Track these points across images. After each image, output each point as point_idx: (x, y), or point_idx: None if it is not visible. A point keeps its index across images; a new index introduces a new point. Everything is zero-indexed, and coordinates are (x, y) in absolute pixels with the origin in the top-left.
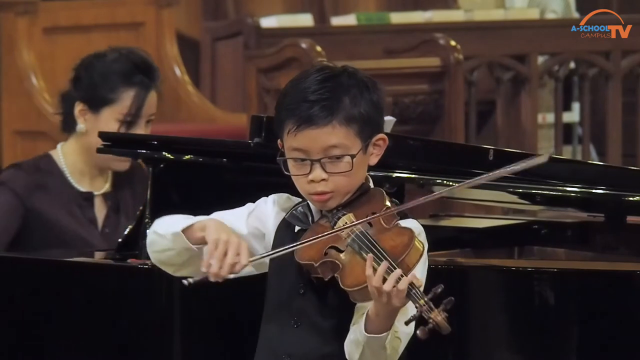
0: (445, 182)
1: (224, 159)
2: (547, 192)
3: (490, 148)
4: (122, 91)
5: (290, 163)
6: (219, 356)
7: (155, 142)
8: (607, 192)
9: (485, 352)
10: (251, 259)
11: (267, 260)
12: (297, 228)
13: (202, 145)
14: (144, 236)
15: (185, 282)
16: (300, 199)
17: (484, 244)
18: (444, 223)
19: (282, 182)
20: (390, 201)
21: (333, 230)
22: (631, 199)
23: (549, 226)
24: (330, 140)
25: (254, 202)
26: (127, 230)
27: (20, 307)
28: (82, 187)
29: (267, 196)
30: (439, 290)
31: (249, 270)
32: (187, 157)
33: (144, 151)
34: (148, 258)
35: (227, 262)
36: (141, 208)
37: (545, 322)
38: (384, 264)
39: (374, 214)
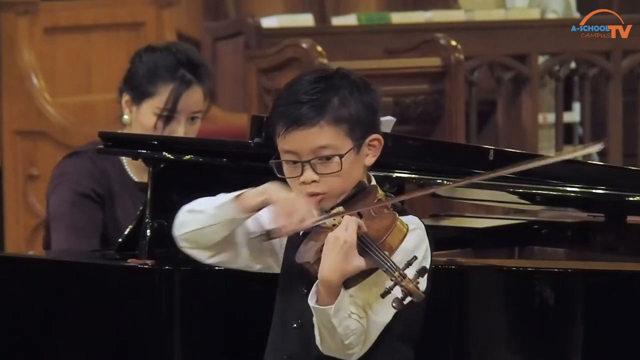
0: (445, 182)
1: (224, 159)
2: (548, 192)
3: (490, 148)
4: (161, 85)
5: (283, 166)
6: (219, 356)
7: (156, 142)
8: (608, 192)
9: (486, 352)
10: (317, 218)
11: (273, 263)
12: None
13: (202, 145)
14: (144, 236)
15: (253, 236)
16: None
17: (484, 244)
18: (444, 223)
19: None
20: (384, 194)
21: (320, 218)
22: (631, 199)
23: (549, 226)
24: (318, 140)
25: None
26: (127, 230)
27: (20, 307)
28: (137, 178)
29: None
30: (414, 261)
31: (258, 267)
32: (187, 157)
33: (144, 151)
34: (148, 258)
35: (295, 218)
36: (141, 208)
37: (546, 322)
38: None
39: (365, 206)
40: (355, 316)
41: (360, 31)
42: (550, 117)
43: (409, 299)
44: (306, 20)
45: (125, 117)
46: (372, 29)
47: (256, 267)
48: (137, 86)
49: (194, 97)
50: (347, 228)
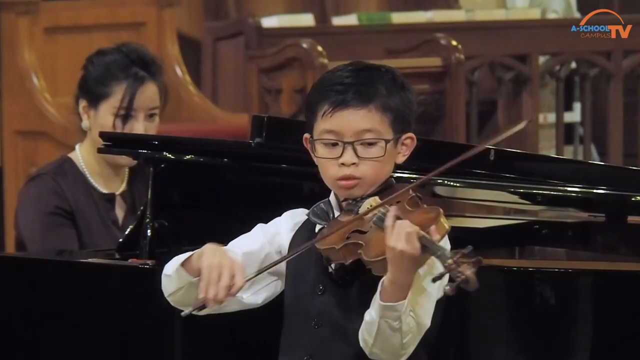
0: (446, 182)
1: (225, 159)
2: (548, 192)
3: (491, 148)
4: (115, 84)
5: (320, 146)
6: (220, 356)
7: (156, 142)
8: (608, 192)
9: (486, 352)
10: (247, 278)
11: (278, 287)
12: (317, 227)
13: (203, 145)
14: (145, 236)
15: (182, 313)
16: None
17: (485, 244)
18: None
19: (283, 182)
20: (415, 194)
21: (358, 215)
22: (632, 199)
23: (550, 226)
24: (365, 124)
25: (254, 202)
26: (128, 230)
27: (20, 307)
28: (103, 189)
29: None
30: (468, 250)
31: (262, 299)
32: (188, 157)
33: (145, 151)
34: (149, 258)
35: (222, 285)
36: (142, 208)
37: (546, 322)
38: (394, 207)
39: (398, 202)
40: (412, 313)
41: (360, 31)
42: (551, 117)
43: (463, 285)
44: (307, 20)
45: (85, 122)
46: (373, 29)
47: (260, 301)
48: (91, 90)
49: (148, 92)
50: (407, 240)
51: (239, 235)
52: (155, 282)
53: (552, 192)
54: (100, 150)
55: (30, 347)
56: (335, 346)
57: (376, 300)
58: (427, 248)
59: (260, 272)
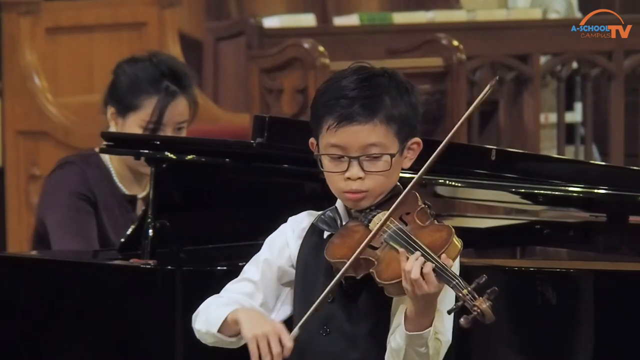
0: (447, 182)
1: (227, 159)
2: (550, 192)
3: (492, 148)
4: (145, 98)
5: (326, 160)
6: (220, 357)
7: (158, 142)
8: (610, 192)
9: (487, 353)
10: (292, 334)
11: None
12: (325, 234)
13: (204, 145)
14: (146, 236)
15: None
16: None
17: (486, 244)
18: (446, 223)
19: (284, 182)
20: (423, 202)
21: (371, 234)
22: (633, 199)
23: (551, 226)
24: (370, 138)
25: (255, 202)
26: (130, 230)
27: (21, 307)
28: (126, 190)
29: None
30: (483, 280)
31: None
32: (189, 157)
33: (147, 151)
34: (150, 258)
35: (275, 353)
36: (143, 208)
37: (548, 322)
38: (417, 253)
39: (408, 213)
40: (437, 334)
41: (362, 31)
42: (552, 117)
43: (478, 318)
44: (308, 20)
45: (112, 128)
46: (374, 29)
47: (289, 312)
48: (121, 99)
49: (179, 107)
50: (427, 281)
51: (239, 235)
52: (156, 282)
53: (554, 192)
54: (102, 151)
55: (31, 346)
56: (342, 352)
57: (401, 328)
58: (442, 277)
59: (301, 325)
